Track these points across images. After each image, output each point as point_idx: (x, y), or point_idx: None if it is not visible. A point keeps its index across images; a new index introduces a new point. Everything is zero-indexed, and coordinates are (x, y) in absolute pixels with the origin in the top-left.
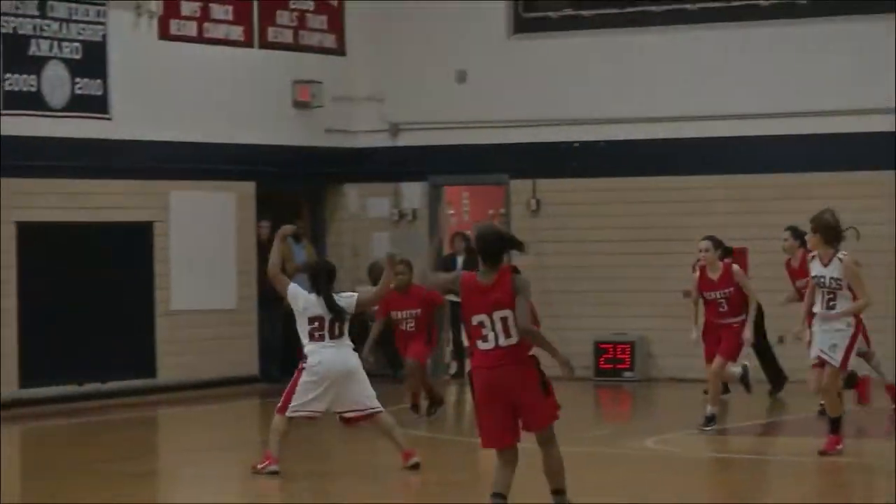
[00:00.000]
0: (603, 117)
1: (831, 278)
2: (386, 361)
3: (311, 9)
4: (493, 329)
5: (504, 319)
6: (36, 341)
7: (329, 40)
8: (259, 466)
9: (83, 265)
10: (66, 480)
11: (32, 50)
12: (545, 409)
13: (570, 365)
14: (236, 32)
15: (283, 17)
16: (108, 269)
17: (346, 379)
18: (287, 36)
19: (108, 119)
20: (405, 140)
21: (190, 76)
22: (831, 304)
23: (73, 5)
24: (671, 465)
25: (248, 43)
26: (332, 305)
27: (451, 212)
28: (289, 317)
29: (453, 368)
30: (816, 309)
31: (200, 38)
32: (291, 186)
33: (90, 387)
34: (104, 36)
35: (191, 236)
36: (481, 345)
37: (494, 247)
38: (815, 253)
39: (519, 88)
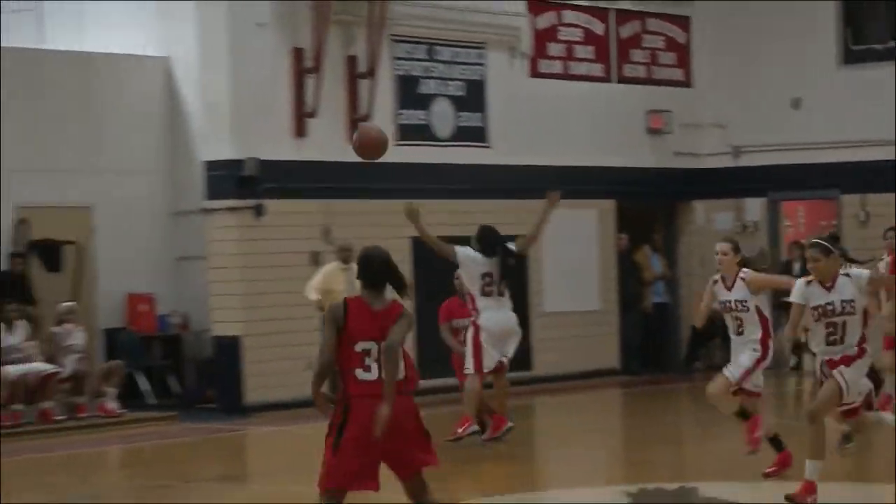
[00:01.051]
0: None
1: (736, 301)
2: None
3: (662, 46)
4: (378, 360)
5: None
6: (430, 342)
7: (678, 74)
8: (460, 431)
9: None
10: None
11: (422, 89)
12: (426, 451)
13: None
14: (597, 69)
15: (637, 54)
16: None
17: (510, 334)
18: (641, 71)
19: (488, 147)
20: (746, 161)
21: (557, 108)
22: (740, 329)
23: (457, 49)
24: None
25: (607, 78)
26: (507, 252)
27: (788, 223)
28: (647, 317)
29: (792, 361)
30: (731, 334)
31: (566, 75)
32: (646, 203)
33: None
34: (483, 75)
35: (560, 247)
36: (361, 375)
37: (378, 273)
38: (717, 277)
39: (848, 112)
